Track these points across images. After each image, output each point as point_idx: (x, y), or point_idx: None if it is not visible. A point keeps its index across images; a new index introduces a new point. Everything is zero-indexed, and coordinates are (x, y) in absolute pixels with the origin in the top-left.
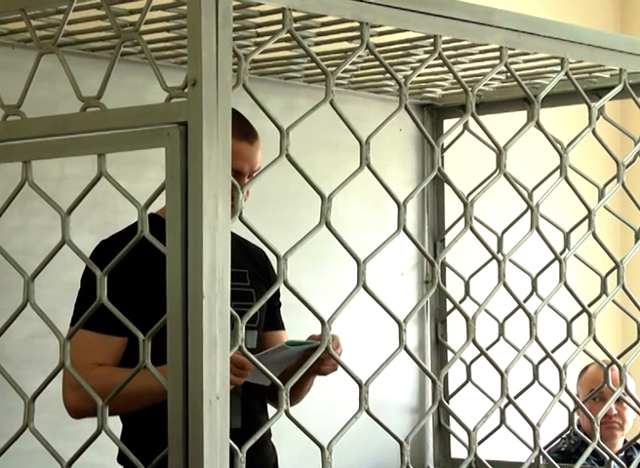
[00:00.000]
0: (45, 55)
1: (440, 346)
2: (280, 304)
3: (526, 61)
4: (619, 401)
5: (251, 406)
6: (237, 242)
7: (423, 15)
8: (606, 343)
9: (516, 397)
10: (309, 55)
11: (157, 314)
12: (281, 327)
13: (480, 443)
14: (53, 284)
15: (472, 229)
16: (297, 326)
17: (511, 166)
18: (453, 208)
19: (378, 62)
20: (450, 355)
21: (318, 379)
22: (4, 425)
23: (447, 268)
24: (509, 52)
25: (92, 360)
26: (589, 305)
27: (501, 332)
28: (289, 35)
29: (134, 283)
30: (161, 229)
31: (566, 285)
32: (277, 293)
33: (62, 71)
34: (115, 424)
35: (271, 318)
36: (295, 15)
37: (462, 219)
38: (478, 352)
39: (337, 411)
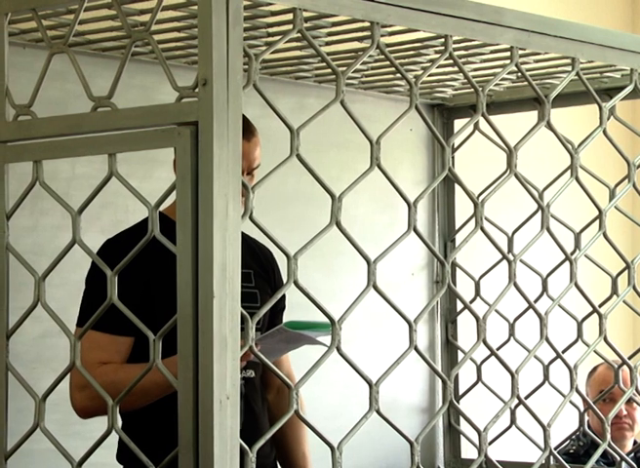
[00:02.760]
0: (56, 54)
1: (450, 346)
2: (284, 307)
3: (537, 61)
4: (629, 401)
5: (252, 406)
6: (243, 240)
7: (434, 14)
8: (617, 344)
9: (527, 397)
10: (320, 54)
11: (164, 313)
12: None
13: (490, 443)
14: (63, 283)
15: (483, 229)
16: None
17: (522, 166)
18: (463, 208)
19: (388, 62)
20: (460, 355)
21: (326, 380)
22: (15, 424)
23: (457, 268)
24: (520, 52)
25: (97, 359)
26: (600, 306)
27: (512, 333)
28: (299, 35)
29: (142, 282)
30: (167, 228)
31: (577, 285)
32: (283, 296)
33: (73, 71)
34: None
35: (272, 321)
36: (305, 14)
37: (473, 220)
38: (488, 352)
39: (347, 411)
